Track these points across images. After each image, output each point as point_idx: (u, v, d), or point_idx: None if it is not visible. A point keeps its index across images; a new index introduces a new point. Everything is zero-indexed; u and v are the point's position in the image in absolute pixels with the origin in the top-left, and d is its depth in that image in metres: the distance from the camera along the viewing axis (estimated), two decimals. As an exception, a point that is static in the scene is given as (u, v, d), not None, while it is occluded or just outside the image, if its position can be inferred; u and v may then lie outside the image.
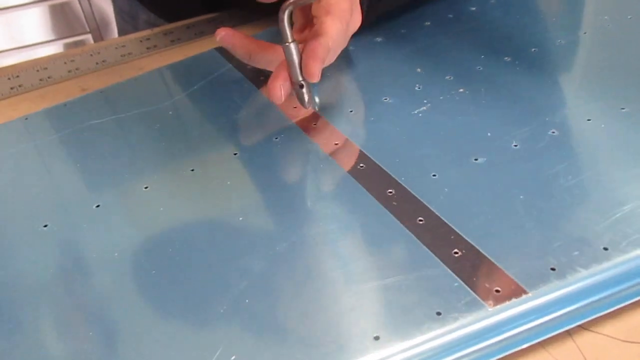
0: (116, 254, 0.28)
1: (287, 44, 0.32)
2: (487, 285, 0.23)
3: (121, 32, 0.67)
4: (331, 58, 0.35)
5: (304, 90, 0.33)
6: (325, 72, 0.40)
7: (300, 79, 0.32)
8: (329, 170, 0.31)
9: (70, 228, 0.30)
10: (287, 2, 0.31)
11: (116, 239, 0.29)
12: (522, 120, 0.33)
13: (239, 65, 0.43)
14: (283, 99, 0.33)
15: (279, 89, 0.32)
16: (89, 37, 1.48)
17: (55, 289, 0.26)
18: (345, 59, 0.43)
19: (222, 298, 0.25)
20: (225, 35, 0.36)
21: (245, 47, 0.36)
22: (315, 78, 0.32)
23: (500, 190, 0.28)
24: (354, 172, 0.31)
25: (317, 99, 0.38)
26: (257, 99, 0.39)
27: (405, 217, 0.27)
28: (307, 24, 0.39)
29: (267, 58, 0.36)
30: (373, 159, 0.31)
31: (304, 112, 0.36)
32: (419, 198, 0.28)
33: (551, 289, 0.23)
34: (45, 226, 0.30)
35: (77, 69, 0.46)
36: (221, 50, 0.45)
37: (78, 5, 1.43)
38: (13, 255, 0.28)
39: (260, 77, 0.41)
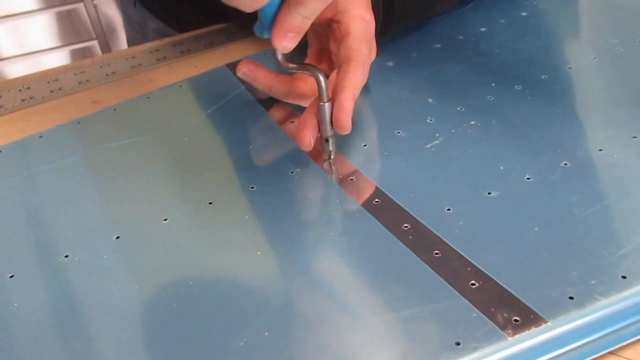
0: (137, 287, 0.28)
1: (322, 103, 0.33)
2: (505, 315, 0.24)
3: (130, 41, 0.68)
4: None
5: (330, 144, 0.35)
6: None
7: (329, 135, 0.34)
8: (345, 205, 0.32)
9: (91, 259, 0.30)
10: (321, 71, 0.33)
11: (137, 272, 0.29)
12: (534, 153, 0.34)
13: (251, 87, 0.43)
14: (312, 146, 0.34)
15: (308, 137, 0.34)
16: (95, 44, 1.51)
17: (77, 321, 0.27)
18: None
19: (242, 331, 0.25)
20: (246, 71, 0.38)
21: (265, 82, 0.38)
22: (347, 131, 0.33)
23: (515, 223, 0.29)
24: (370, 207, 0.31)
25: None
26: (272, 129, 0.39)
27: (421, 250, 0.28)
28: (324, 52, 0.41)
29: (285, 91, 0.38)
30: (388, 193, 0.32)
31: (318, 146, 0.37)
32: (434, 232, 0.29)
33: (571, 318, 0.23)
34: (66, 256, 0.30)
35: (87, 80, 0.46)
36: (232, 67, 0.46)
37: (84, 12, 1.46)
38: (35, 285, 0.29)
39: (273, 104, 0.42)
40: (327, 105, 0.33)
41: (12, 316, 0.27)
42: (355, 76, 0.34)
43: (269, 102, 0.42)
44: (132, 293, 0.28)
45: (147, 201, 0.34)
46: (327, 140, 0.34)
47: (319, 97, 0.33)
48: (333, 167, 0.35)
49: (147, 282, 0.29)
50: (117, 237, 0.31)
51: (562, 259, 0.26)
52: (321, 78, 0.32)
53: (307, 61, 0.41)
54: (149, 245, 0.31)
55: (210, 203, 0.33)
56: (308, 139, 0.34)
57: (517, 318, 0.23)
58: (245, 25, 0.53)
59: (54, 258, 0.30)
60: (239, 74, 0.38)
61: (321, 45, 0.41)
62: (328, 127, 0.34)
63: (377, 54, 0.41)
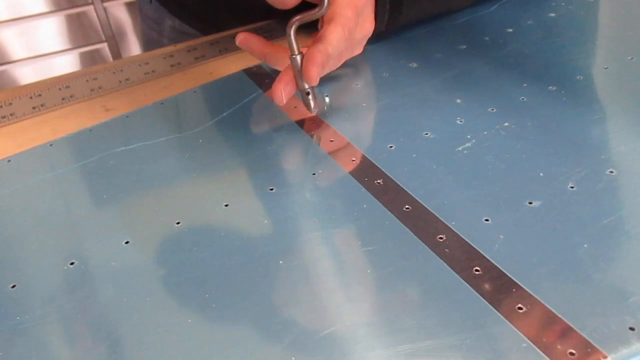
0: (148, 299, 0.26)
1: (293, 56, 0.35)
2: (559, 346, 0.21)
3: (146, 40, 0.67)
4: (334, 64, 0.38)
5: (310, 97, 0.36)
6: (361, 102, 0.39)
7: (306, 87, 0.35)
8: (373, 211, 0.29)
9: (98, 267, 0.28)
10: (294, 19, 0.34)
11: (148, 282, 0.27)
12: (576, 159, 0.31)
13: (269, 91, 0.41)
14: (284, 101, 0.35)
15: (280, 91, 0.35)
16: (104, 46, 1.50)
17: (84, 336, 0.25)
18: (381, 86, 0.41)
19: (265, 354, 0.23)
20: (243, 39, 0.40)
21: (260, 49, 0.40)
22: (314, 82, 0.34)
23: (561, 238, 0.26)
24: (400, 214, 0.29)
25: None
26: (293, 130, 0.37)
27: (459, 266, 0.25)
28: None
29: (278, 58, 0.39)
30: (419, 200, 0.30)
31: (341, 147, 0.35)
32: (473, 245, 0.26)
33: (633, 352, 0.21)
34: (72, 264, 0.28)
35: (100, 87, 0.45)
36: (251, 74, 0.44)
37: (94, 15, 1.45)
38: (39, 296, 0.27)
39: (294, 106, 0.39)
40: (298, 58, 0.35)
41: (14, 331, 0.25)
42: (332, 34, 0.35)
43: (287, 104, 0.40)
44: (144, 304, 0.26)
45: (159, 204, 0.32)
46: (307, 94, 0.36)
47: (290, 50, 0.35)
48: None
49: (159, 292, 0.26)
50: (127, 242, 0.29)
51: (617, 281, 0.24)
52: (289, 31, 0.34)
53: (311, 40, 0.41)
54: (161, 251, 0.29)
55: (227, 205, 0.31)
56: (279, 93, 0.35)
57: (573, 351, 0.21)
58: (258, 32, 0.51)
59: (59, 265, 0.28)
60: (236, 42, 0.40)
61: (322, 23, 0.40)
62: (301, 79, 0.35)
63: (374, 29, 0.42)
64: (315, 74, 0.33)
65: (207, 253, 0.28)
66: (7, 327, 0.25)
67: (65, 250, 0.29)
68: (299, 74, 0.35)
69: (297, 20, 0.34)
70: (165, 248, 0.29)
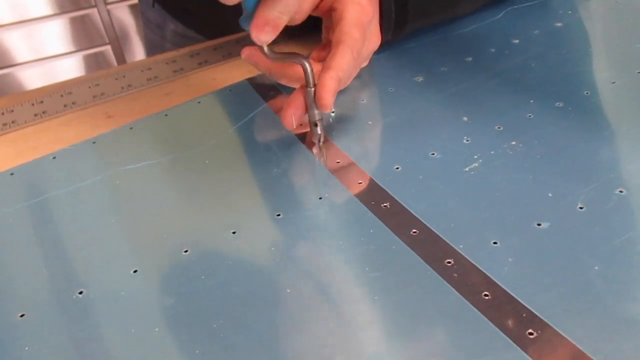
0: (157, 329, 0.26)
1: (308, 89, 0.35)
2: (570, 374, 0.21)
3: (148, 44, 0.68)
4: (344, 84, 0.37)
5: (318, 128, 0.36)
6: (367, 119, 0.39)
7: (316, 119, 0.36)
8: (380, 236, 0.29)
9: (107, 296, 0.28)
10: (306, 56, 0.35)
11: (156, 311, 0.27)
12: (584, 178, 0.31)
13: (274, 104, 0.42)
14: (294, 126, 0.36)
15: (290, 116, 0.35)
16: (108, 49, 1.52)
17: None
18: (386, 102, 0.41)
19: (274, 384, 0.23)
20: (249, 53, 0.40)
21: (265, 63, 0.40)
22: (329, 109, 0.34)
23: (571, 260, 0.26)
24: (407, 238, 0.29)
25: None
26: (299, 150, 0.37)
27: (468, 291, 0.25)
28: (328, 42, 0.41)
29: (284, 73, 0.39)
30: (426, 223, 0.29)
31: (348, 169, 0.35)
32: (481, 269, 0.26)
33: (648, 380, 0.20)
34: (81, 293, 0.28)
35: (102, 93, 0.45)
36: (255, 84, 0.44)
37: (98, 17, 1.47)
38: (48, 326, 0.27)
39: (300, 124, 0.39)
40: (313, 91, 0.35)
41: (22, 362, 0.25)
42: (342, 58, 0.35)
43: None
44: (152, 334, 0.26)
45: (166, 231, 0.32)
46: (315, 125, 0.36)
47: (306, 83, 0.35)
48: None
49: (167, 322, 0.26)
50: (135, 271, 0.29)
51: (630, 304, 0.23)
52: (306, 64, 0.34)
53: (314, 52, 0.41)
54: (169, 280, 0.29)
55: (234, 233, 0.31)
56: (289, 118, 0.35)
57: (587, 378, 0.21)
58: None
59: (68, 294, 0.28)
60: (242, 56, 0.40)
61: (326, 36, 0.41)
62: (315, 111, 0.35)
63: (381, 42, 0.42)
64: (329, 102, 0.34)
65: (215, 282, 0.28)
66: (16, 358, 0.25)
67: (74, 279, 0.29)
68: (311, 106, 0.35)
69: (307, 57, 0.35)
70: (173, 277, 0.29)
